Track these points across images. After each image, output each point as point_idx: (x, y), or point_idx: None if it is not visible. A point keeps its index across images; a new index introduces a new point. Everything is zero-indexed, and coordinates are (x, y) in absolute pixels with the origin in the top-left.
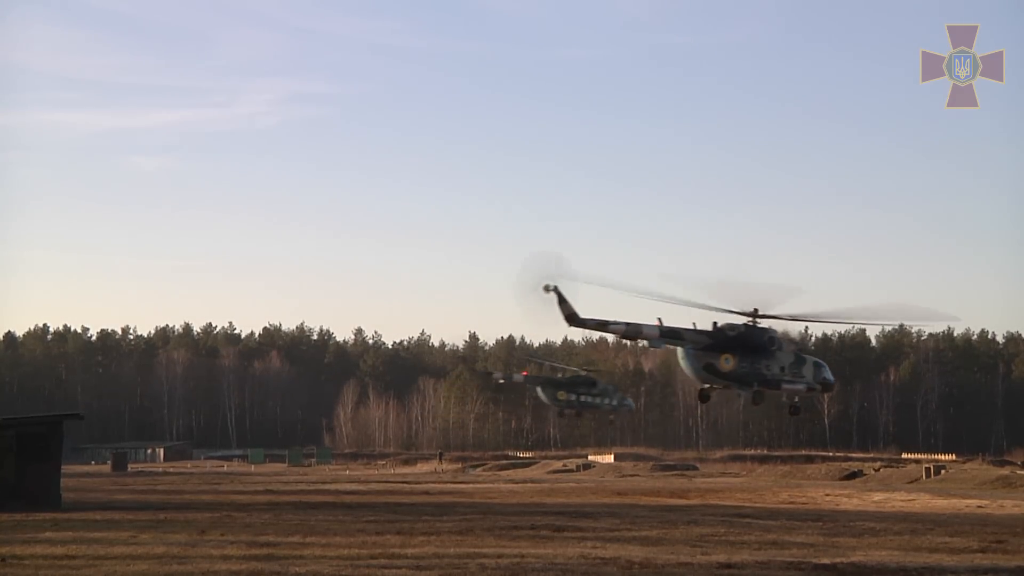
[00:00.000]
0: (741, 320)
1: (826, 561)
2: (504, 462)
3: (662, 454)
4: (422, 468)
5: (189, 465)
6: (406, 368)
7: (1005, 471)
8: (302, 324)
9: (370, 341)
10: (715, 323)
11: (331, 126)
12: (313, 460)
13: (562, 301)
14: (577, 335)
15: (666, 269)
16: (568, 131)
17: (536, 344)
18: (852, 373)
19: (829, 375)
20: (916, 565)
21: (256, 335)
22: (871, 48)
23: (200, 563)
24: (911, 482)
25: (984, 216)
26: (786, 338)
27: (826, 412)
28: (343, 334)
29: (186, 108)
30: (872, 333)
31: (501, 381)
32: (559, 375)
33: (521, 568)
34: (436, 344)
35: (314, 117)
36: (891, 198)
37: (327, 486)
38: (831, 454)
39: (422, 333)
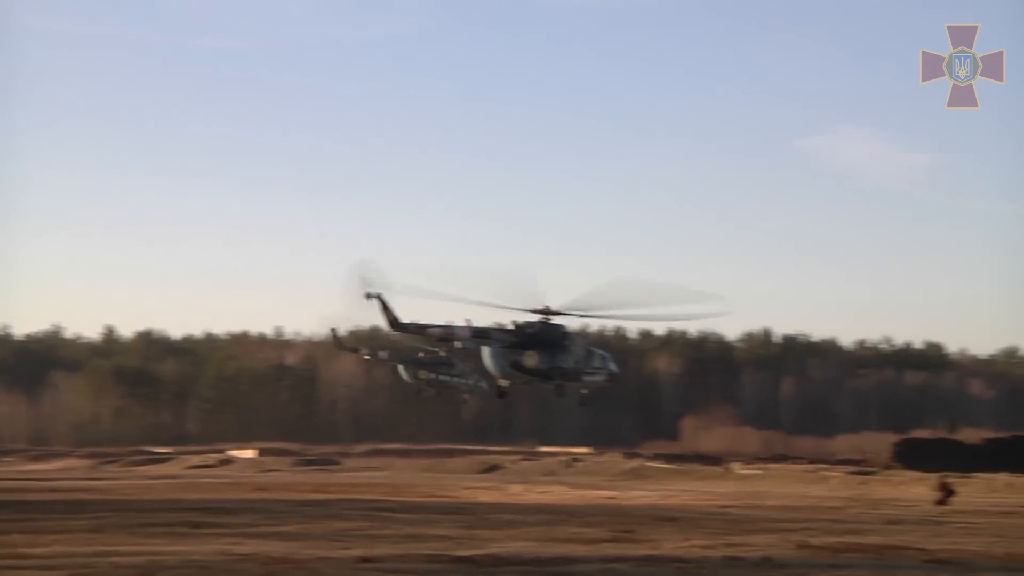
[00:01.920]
0: (536, 317)
1: (464, 553)
2: (141, 457)
3: (304, 449)
4: (55, 465)
5: None
6: (37, 361)
7: (636, 463)
8: None
9: None
10: (514, 321)
11: None
12: None
13: (385, 307)
14: (219, 327)
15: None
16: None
17: (176, 337)
18: None
19: (614, 366)
20: (550, 555)
21: None
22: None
23: None
24: (548, 474)
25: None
26: (577, 333)
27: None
28: None
29: None
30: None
31: (367, 357)
32: (420, 354)
33: (156, 566)
34: (70, 336)
35: None
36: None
37: None
38: (472, 448)
39: (54, 325)
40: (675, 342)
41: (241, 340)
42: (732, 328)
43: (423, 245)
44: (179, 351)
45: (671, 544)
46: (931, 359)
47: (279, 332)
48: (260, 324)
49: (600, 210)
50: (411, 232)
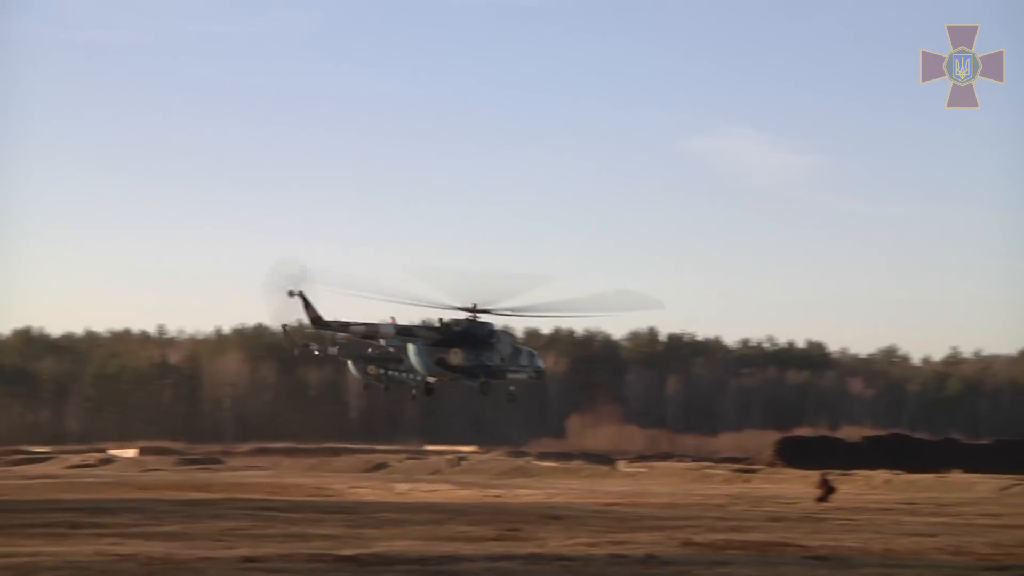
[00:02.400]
0: (463, 315)
1: (349, 552)
2: (18, 457)
3: (187, 448)
4: None
5: None
6: None
7: (521, 461)
8: None
9: None
10: (440, 319)
11: None
12: None
13: (307, 305)
14: (101, 325)
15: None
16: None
17: (56, 334)
18: None
19: (541, 363)
20: (436, 554)
21: None
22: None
23: None
24: (434, 473)
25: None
26: (504, 331)
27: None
28: None
29: None
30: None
31: (317, 353)
32: (370, 350)
33: (34, 567)
34: None
35: None
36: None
37: None
38: (358, 447)
39: None
40: (562, 340)
41: (123, 338)
42: (618, 327)
43: (337, 243)
44: (59, 349)
45: (556, 542)
46: (813, 358)
47: (162, 330)
48: (142, 322)
49: (489, 211)
50: (319, 230)
